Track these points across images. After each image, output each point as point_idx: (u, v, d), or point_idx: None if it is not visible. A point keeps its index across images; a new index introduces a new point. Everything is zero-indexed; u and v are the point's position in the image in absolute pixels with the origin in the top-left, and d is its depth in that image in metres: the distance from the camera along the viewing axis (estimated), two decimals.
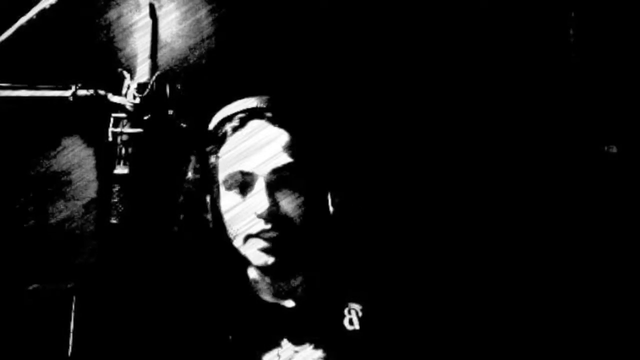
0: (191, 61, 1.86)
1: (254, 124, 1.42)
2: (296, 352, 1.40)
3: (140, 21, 1.73)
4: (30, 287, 1.76)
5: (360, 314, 1.43)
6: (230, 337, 1.42)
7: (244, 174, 1.39)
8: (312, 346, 1.40)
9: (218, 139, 1.44)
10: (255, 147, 1.39)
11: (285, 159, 1.38)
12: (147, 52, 1.71)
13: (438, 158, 1.92)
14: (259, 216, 1.36)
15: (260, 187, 1.37)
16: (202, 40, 1.87)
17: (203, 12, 1.87)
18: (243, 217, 1.39)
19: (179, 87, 1.73)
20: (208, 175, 1.45)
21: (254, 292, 1.49)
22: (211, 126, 1.48)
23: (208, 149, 1.46)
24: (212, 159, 1.45)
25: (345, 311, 1.43)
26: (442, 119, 1.93)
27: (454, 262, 1.84)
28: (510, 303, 1.85)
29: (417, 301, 1.48)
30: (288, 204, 1.38)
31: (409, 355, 1.43)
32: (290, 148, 1.40)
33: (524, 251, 1.89)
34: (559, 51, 1.95)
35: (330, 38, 1.92)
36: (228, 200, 1.41)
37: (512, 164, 1.92)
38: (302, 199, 1.39)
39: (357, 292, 1.45)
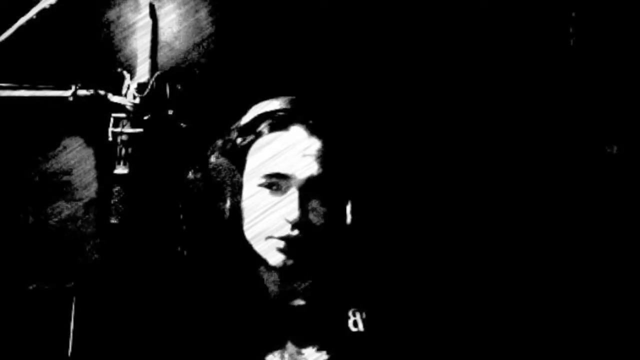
0: (191, 61, 1.86)
1: (295, 127, 1.43)
2: (300, 353, 1.42)
3: (140, 21, 1.73)
4: (30, 287, 1.76)
5: (364, 316, 1.44)
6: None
7: (280, 176, 1.40)
8: (316, 348, 1.42)
9: (253, 133, 1.45)
10: (294, 152, 1.41)
11: (320, 169, 1.40)
12: (147, 52, 1.71)
13: (451, 170, 1.91)
14: (289, 222, 1.38)
15: (293, 193, 1.39)
16: (202, 40, 1.87)
17: (203, 12, 1.87)
18: (268, 216, 1.41)
19: (179, 87, 1.73)
20: (233, 167, 1.46)
21: (261, 290, 1.49)
22: (246, 119, 1.48)
23: (239, 140, 1.46)
24: (241, 152, 1.45)
25: (350, 313, 1.45)
26: (454, 127, 1.92)
27: (463, 272, 1.84)
28: (514, 306, 1.85)
29: (424, 307, 1.49)
30: (315, 213, 1.40)
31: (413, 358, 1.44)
32: (325, 159, 1.41)
33: (526, 252, 1.89)
34: (559, 51, 1.94)
35: (332, 38, 1.91)
36: (254, 196, 1.42)
37: (513, 164, 1.92)
38: (327, 209, 1.42)
39: (364, 298, 1.46)
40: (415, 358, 1.44)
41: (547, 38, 1.95)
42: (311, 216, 1.40)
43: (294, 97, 1.47)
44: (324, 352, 1.41)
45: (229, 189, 1.47)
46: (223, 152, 1.48)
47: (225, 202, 1.46)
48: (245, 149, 1.46)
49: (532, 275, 1.88)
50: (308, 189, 1.40)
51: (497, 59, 1.94)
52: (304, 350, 1.42)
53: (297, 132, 1.42)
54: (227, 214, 1.46)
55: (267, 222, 1.41)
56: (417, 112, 1.92)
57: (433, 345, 1.46)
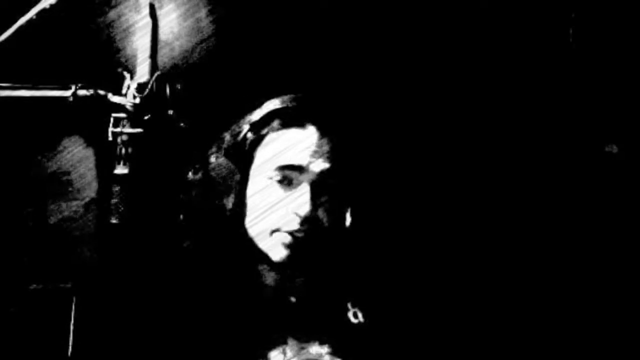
0: (191, 61, 1.87)
1: (306, 124, 1.43)
2: (302, 348, 1.40)
3: (140, 21, 1.73)
4: (30, 287, 1.76)
5: (363, 310, 1.45)
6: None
7: (293, 167, 1.39)
8: (318, 342, 1.41)
9: (265, 128, 1.44)
10: (306, 147, 1.40)
11: (332, 165, 1.39)
12: (147, 52, 1.71)
13: (450, 169, 1.92)
14: (299, 216, 1.37)
15: (305, 187, 1.38)
16: (202, 40, 1.87)
17: (203, 12, 1.87)
18: (276, 211, 1.39)
19: (179, 87, 1.73)
20: (233, 166, 1.45)
21: (259, 288, 1.48)
22: (259, 115, 1.47)
23: (250, 135, 1.45)
24: (250, 146, 1.45)
25: (349, 305, 1.44)
26: (450, 124, 1.93)
27: (456, 262, 1.85)
28: (513, 300, 1.85)
29: (422, 300, 1.51)
30: (324, 210, 1.39)
31: (418, 348, 1.44)
32: (337, 155, 1.41)
33: (525, 251, 1.89)
34: (559, 51, 1.94)
35: (330, 39, 1.92)
36: (262, 190, 1.41)
37: (513, 163, 1.92)
38: (335, 207, 1.41)
39: (362, 292, 1.47)
40: (418, 347, 1.44)
41: (547, 37, 1.95)
42: (320, 213, 1.38)
43: (305, 96, 1.47)
44: (326, 346, 1.40)
45: (230, 186, 1.46)
46: (230, 147, 1.48)
47: (226, 199, 1.45)
48: (255, 144, 1.45)
49: (531, 274, 1.88)
50: (320, 185, 1.39)
51: (498, 58, 1.94)
52: (306, 345, 1.40)
53: (309, 129, 1.42)
54: (229, 212, 1.44)
55: (275, 216, 1.39)
56: (417, 114, 1.92)
57: (434, 337, 1.47)
